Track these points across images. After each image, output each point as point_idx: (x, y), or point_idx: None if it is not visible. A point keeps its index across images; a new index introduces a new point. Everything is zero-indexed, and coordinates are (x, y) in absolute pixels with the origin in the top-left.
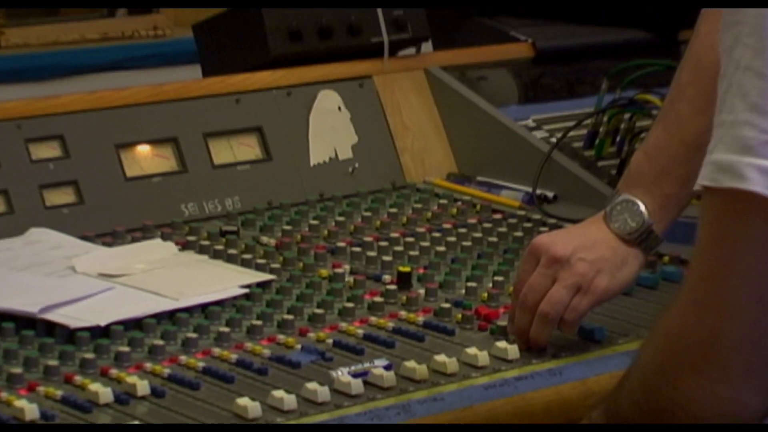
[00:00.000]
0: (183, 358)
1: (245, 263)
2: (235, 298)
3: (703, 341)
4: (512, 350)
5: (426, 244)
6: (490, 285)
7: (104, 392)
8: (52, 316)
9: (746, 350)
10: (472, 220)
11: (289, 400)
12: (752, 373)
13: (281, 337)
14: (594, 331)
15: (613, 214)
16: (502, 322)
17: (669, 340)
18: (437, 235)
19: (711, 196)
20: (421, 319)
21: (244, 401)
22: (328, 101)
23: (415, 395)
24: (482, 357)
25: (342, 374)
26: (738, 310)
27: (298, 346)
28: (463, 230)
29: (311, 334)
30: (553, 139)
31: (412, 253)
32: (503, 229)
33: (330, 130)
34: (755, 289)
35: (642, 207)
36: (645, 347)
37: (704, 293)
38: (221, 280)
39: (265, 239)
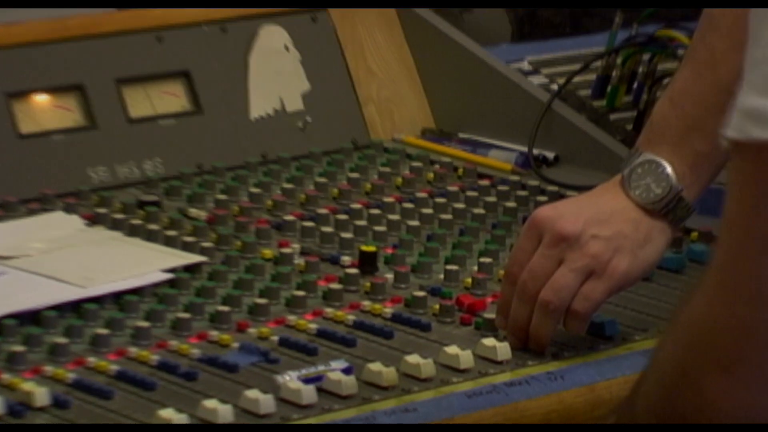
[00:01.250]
0: (92, 359)
1: (169, 241)
2: (156, 285)
3: (733, 334)
4: (502, 349)
5: (395, 217)
6: (476, 268)
7: None
8: None
9: None
10: (453, 188)
11: (224, 412)
12: None
13: (214, 334)
14: (604, 325)
15: (632, 178)
16: (490, 315)
17: (692, 333)
18: (409, 206)
19: (740, 152)
20: (388, 310)
21: (167, 413)
22: (273, 39)
23: (381, 405)
24: (465, 358)
25: (290, 379)
26: None
27: (236, 345)
28: (441, 200)
29: (252, 330)
30: (555, 87)
31: (377, 228)
32: (492, 199)
33: (275, 76)
34: None
35: (668, 168)
36: (663, 343)
37: (734, 275)
38: (139, 263)
39: (194, 211)
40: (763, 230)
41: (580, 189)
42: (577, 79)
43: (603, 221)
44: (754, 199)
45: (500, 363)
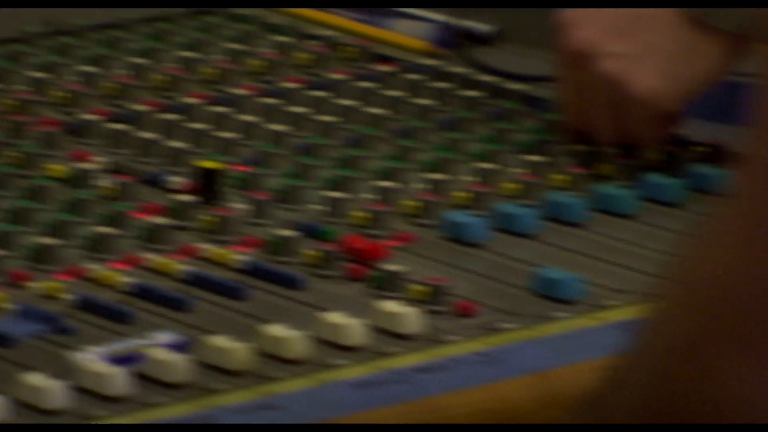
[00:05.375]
0: None
1: None
2: None
3: (763, 296)
4: (411, 317)
5: (250, 118)
6: (371, 197)
7: None
8: None
9: None
10: (338, 76)
11: None
12: None
13: None
14: (561, 282)
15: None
16: (393, 266)
17: (703, 295)
18: (271, 101)
19: None
20: (240, 258)
21: None
22: None
23: (227, 398)
24: (353, 329)
25: (92, 358)
26: None
27: (10, 307)
28: (319, 94)
29: (34, 284)
30: None
31: (223, 134)
32: (396, 93)
33: None
34: None
35: None
36: (661, 309)
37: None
38: None
39: None
40: None
41: (533, 80)
42: None
43: (625, 32)
44: None
45: (408, 338)
